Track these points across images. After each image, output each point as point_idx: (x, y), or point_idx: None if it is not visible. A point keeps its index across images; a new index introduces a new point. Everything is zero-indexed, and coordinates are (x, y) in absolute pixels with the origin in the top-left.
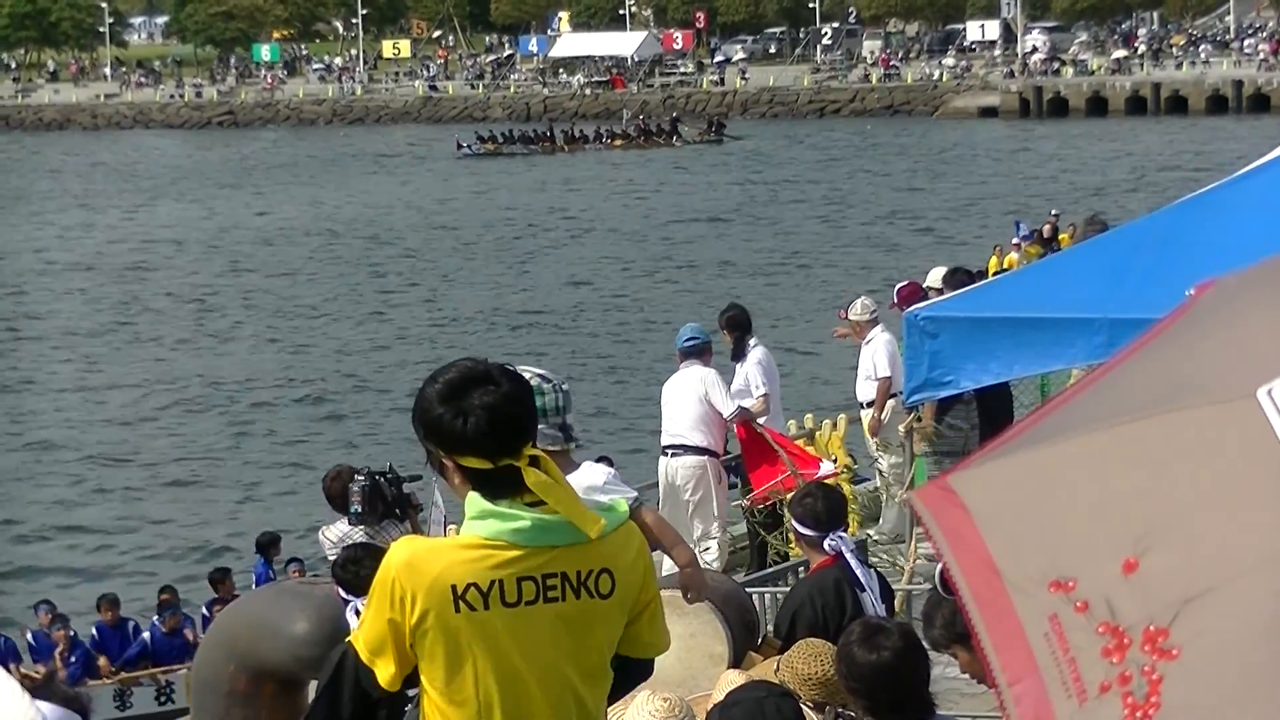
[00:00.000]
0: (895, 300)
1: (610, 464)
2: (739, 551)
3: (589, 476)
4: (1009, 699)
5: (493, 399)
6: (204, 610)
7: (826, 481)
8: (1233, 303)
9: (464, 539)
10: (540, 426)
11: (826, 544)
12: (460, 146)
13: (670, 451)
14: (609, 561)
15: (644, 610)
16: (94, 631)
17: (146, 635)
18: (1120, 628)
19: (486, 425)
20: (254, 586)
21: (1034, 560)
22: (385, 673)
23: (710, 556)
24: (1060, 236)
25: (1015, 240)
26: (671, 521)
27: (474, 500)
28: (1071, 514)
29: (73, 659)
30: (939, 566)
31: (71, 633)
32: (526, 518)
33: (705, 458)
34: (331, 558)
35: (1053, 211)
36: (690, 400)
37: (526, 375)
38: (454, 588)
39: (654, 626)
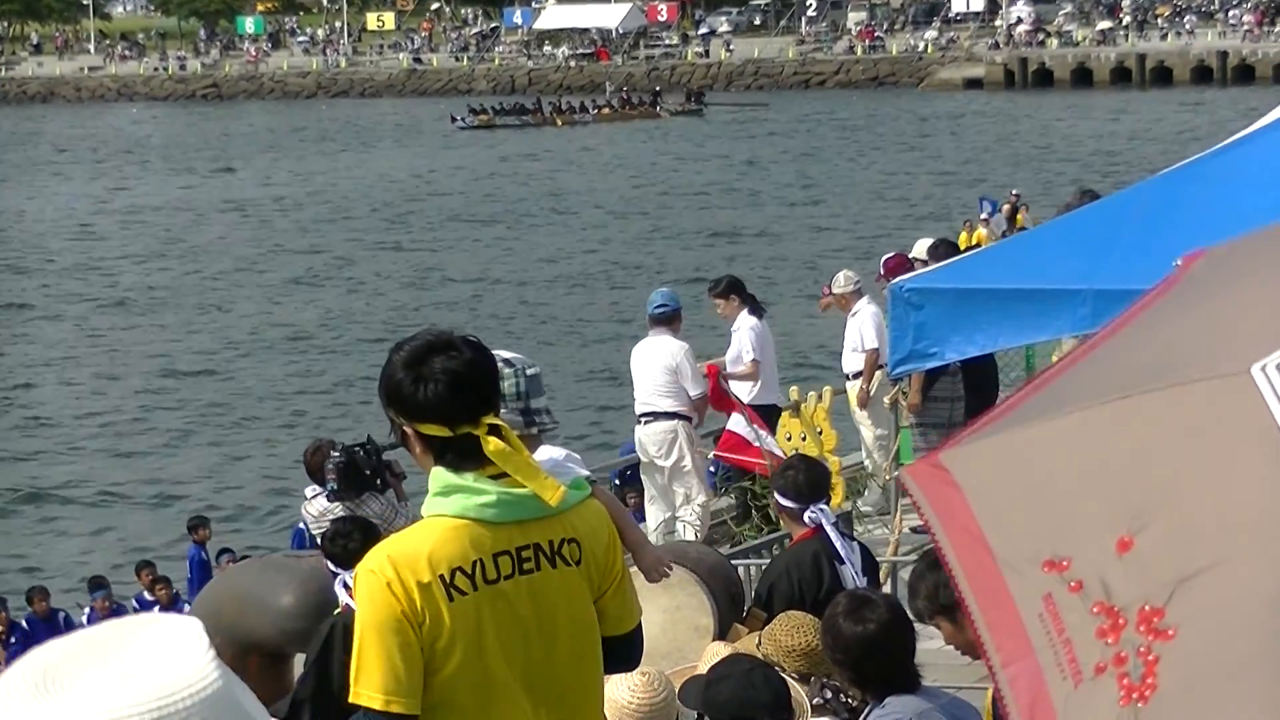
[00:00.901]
0: (882, 272)
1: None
2: (723, 524)
3: (541, 456)
4: (1004, 681)
5: (454, 365)
6: (134, 603)
7: (809, 453)
8: (1223, 274)
9: (432, 524)
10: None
11: (806, 516)
12: (454, 120)
13: (643, 419)
14: (574, 531)
15: (611, 585)
16: (24, 624)
17: (84, 620)
18: (1115, 608)
19: (446, 390)
20: (188, 570)
21: (1027, 539)
22: (408, 699)
23: (690, 519)
24: (1018, 216)
25: (983, 216)
26: (653, 488)
27: (438, 475)
28: (1065, 492)
29: (13, 640)
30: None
31: (10, 615)
32: (492, 492)
33: (676, 422)
34: (315, 531)
35: (1012, 191)
36: (658, 368)
37: None
38: (443, 577)
39: (621, 600)
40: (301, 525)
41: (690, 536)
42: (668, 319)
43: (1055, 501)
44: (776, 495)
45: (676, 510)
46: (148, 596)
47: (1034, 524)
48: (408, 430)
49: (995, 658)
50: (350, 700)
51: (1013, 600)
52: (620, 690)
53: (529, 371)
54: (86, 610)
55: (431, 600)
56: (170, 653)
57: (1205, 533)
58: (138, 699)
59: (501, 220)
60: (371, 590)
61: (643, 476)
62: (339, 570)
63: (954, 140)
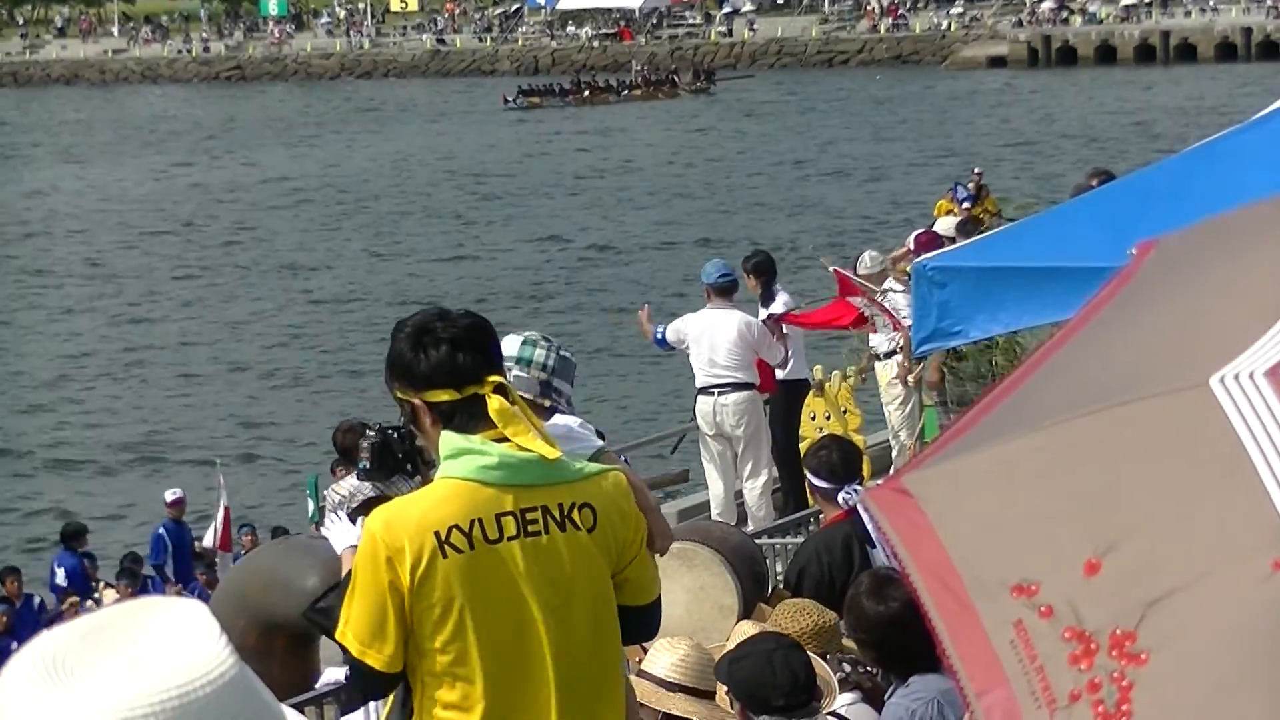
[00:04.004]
0: (912, 248)
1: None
2: (774, 494)
3: (557, 422)
4: (978, 710)
5: (453, 330)
6: None
7: (838, 434)
8: (1175, 272)
9: (437, 485)
10: (520, 373)
11: (840, 497)
12: (506, 100)
13: (716, 390)
14: (589, 497)
15: (633, 557)
16: None
17: None
18: (1086, 632)
19: (447, 352)
20: (61, 576)
21: (995, 564)
22: (382, 655)
23: (758, 493)
24: (982, 197)
25: (964, 202)
26: (718, 460)
27: (447, 439)
28: (1029, 515)
29: None
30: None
31: None
32: (495, 454)
33: (753, 392)
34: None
35: (975, 169)
36: (732, 337)
37: (528, 333)
38: (437, 534)
39: (643, 571)
40: (161, 530)
41: (759, 510)
42: (733, 288)
43: (1021, 525)
44: (809, 476)
45: (744, 482)
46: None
47: (1001, 548)
48: (416, 403)
49: (969, 687)
50: (336, 636)
51: (983, 627)
52: (667, 654)
53: (563, 353)
54: None
55: (420, 558)
56: (185, 639)
57: (1172, 553)
58: (157, 687)
59: (545, 198)
60: (366, 547)
61: (703, 449)
62: None
63: (979, 117)
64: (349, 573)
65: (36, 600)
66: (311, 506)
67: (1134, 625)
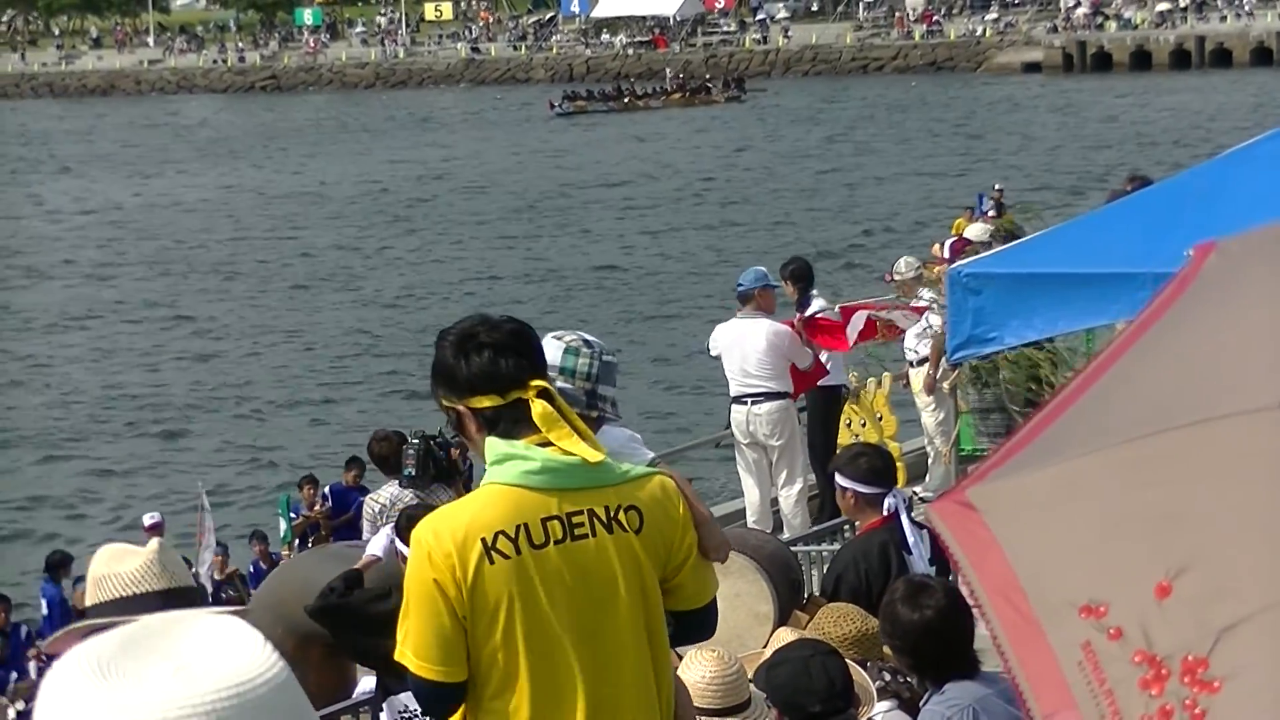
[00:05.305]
0: (947, 255)
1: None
2: (810, 500)
3: (604, 440)
4: None
5: (496, 335)
6: None
7: (874, 442)
8: (1240, 280)
9: (482, 491)
10: (563, 384)
11: (886, 502)
12: (553, 106)
13: (749, 400)
14: (634, 499)
15: (684, 562)
16: None
17: None
18: (1157, 657)
19: (490, 358)
20: (44, 607)
21: (1062, 583)
22: (443, 667)
23: (793, 501)
24: (1003, 212)
25: (989, 212)
26: (753, 468)
27: (492, 445)
28: (1098, 534)
29: None
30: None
31: None
32: (538, 459)
33: (786, 401)
34: (381, 521)
35: (996, 185)
36: (762, 347)
37: (568, 337)
38: (484, 540)
39: (695, 576)
40: None
41: (795, 517)
42: (753, 296)
43: (1089, 544)
44: (851, 484)
45: (779, 490)
46: None
47: (1068, 567)
48: (461, 410)
49: (1035, 707)
50: (395, 657)
51: (1050, 647)
52: (693, 671)
53: (605, 357)
54: None
55: (468, 564)
56: (230, 644)
57: (1245, 579)
58: (212, 687)
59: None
60: (415, 559)
61: (739, 457)
62: None
63: (1010, 125)
64: (353, 573)
65: (24, 630)
66: (284, 526)
67: (1207, 651)
